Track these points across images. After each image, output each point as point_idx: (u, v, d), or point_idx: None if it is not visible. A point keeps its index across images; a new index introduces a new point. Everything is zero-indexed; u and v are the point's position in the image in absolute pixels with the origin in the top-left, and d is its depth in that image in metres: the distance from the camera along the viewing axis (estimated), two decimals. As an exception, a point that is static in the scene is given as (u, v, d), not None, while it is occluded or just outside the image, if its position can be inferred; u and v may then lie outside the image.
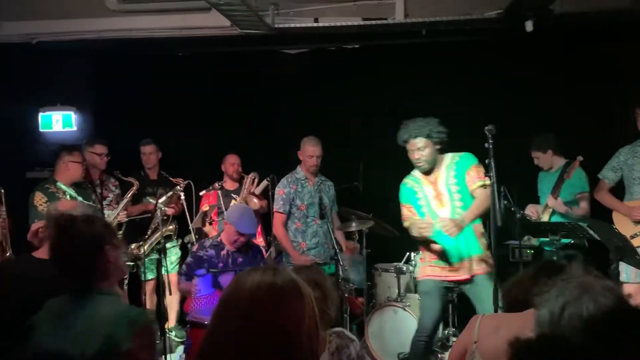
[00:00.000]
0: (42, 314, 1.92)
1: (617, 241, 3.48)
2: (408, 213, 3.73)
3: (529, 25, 4.51)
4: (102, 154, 4.73)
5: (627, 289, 3.96)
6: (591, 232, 3.78)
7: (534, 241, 4.64)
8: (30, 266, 2.40)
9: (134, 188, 4.75)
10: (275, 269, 1.29)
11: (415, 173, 3.75)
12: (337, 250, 4.21)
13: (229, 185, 5.20)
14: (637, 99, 4.31)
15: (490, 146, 3.29)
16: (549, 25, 4.66)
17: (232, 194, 5.11)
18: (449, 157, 3.69)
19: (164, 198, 4.67)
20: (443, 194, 3.64)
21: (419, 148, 3.59)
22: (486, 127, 3.33)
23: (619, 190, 4.40)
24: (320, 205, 4.49)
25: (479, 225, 3.65)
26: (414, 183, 3.75)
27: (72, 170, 4.28)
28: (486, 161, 3.28)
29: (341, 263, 4.19)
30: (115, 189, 4.93)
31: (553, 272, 1.90)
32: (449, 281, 3.67)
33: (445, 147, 3.69)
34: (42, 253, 2.47)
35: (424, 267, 3.75)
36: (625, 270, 3.97)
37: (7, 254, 3.71)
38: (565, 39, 5.18)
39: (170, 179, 4.97)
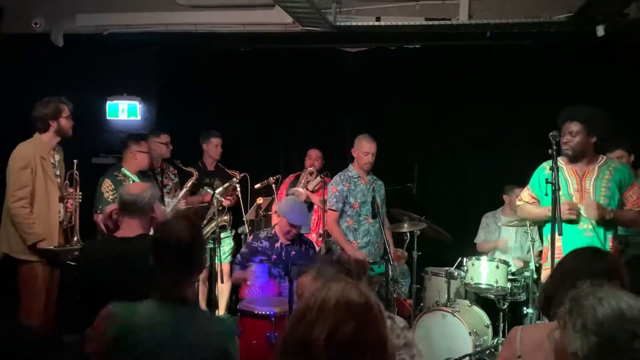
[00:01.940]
0: (135, 319, 1.91)
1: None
2: (527, 197, 3.57)
3: (600, 30, 4.35)
4: (168, 142, 4.89)
5: None
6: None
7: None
8: (121, 246, 2.52)
9: (194, 178, 4.86)
10: (366, 290, 1.39)
11: (560, 160, 3.44)
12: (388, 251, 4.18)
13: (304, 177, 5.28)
14: None
15: (554, 152, 3.20)
16: (622, 31, 4.47)
17: None
18: (604, 159, 3.47)
19: (220, 189, 4.77)
20: (589, 192, 3.40)
21: (571, 132, 3.37)
22: (550, 133, 3.25)
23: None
24: (372, 204, 4.47)
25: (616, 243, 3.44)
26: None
27: (139, 160, 4.46)
28: (550, 168, 3.19)
29: (391, 262, 4.15)
30: (174, 177, 5.07)
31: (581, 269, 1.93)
32: None
33: (599, 148, 3.48)
34: (123, 233, 2.59)
35: (545, 270, 3.54)
36: None
37: (75, 239, 3.83)
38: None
39: (227, 170, 5.08)
